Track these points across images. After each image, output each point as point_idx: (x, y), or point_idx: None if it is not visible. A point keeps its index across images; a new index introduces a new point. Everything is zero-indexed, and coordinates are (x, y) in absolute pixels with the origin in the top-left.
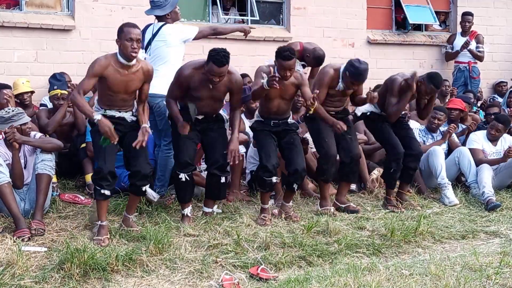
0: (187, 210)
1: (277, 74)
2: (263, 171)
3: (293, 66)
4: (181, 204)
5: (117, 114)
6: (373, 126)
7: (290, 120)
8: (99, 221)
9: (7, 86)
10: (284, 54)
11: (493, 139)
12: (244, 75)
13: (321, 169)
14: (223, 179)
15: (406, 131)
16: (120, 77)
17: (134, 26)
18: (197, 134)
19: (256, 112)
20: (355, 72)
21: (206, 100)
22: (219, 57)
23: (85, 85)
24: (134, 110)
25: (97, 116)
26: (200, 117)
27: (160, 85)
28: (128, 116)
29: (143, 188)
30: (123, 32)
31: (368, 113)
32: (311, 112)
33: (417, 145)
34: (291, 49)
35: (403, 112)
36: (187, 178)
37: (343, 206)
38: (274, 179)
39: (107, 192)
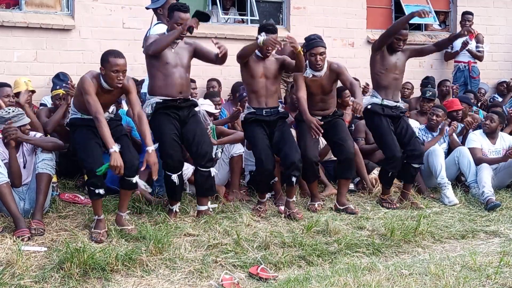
0: (176, 207)
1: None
2: (261, 175)
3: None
4: (170, 201)
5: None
6: (373, 121)
7: (280, 109)
8: (96, 216)
9: (5, 85)
10: (269, 28)
11: (489, 132)
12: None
13: (303, 170)
14: (212, 172)
15: (407, 129)
16: (102, 97)
17: (119, 55)
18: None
19: (247, 104)
20: (307, 41)
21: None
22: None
23: (97, 105)
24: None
25: (116, 148)
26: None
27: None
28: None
29: (133, 180)
30: (108, 63)
31: (369, 106)
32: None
33: (418, 144)
34: (272, 24)
35: (404, 107)
36: (178, 178)
37: (342, 208)
38: (272, 180)
39: (101, 192)
